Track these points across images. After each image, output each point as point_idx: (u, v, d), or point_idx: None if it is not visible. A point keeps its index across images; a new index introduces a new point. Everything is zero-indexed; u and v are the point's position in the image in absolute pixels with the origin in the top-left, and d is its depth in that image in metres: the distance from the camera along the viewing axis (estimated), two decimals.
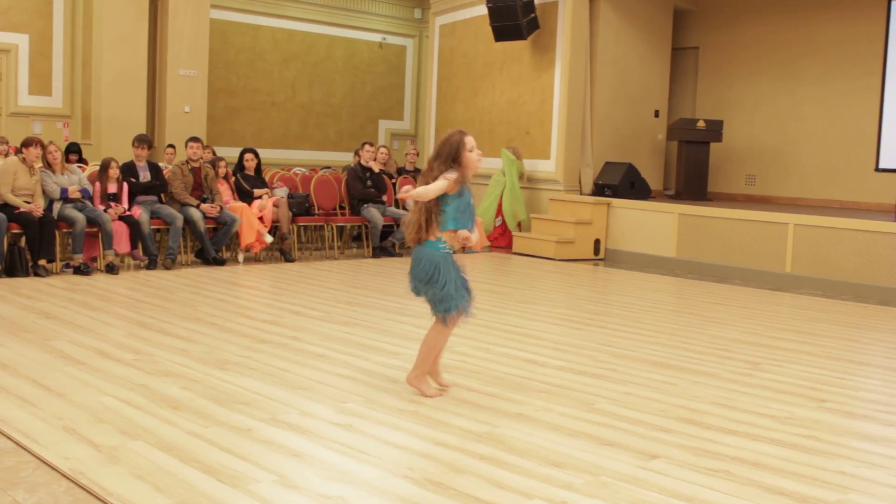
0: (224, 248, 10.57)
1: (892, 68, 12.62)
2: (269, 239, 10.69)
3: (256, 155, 11.44)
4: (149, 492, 3.40)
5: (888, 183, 12.02)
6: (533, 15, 13.08)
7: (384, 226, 11.73)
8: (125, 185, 9.79)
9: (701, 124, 13.31)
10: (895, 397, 5.38)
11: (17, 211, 8.84)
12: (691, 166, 13.44)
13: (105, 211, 9.40)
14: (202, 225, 10.09)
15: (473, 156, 4.74)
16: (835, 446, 4.32)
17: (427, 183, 4.65)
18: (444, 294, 4.72)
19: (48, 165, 9.26)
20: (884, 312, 8.82)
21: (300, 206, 11.28)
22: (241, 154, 11.42)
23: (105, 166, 9.70)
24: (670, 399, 5.08)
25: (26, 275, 8.80)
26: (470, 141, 4.75)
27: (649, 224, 12.10)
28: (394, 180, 12.54)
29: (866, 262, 9.86)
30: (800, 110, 13.67)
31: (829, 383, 5.65)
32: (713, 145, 13.70)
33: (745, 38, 14.28)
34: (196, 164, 10.39)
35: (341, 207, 12.00)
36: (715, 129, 13.36)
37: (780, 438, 4.39)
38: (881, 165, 12.72)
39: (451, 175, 4.64)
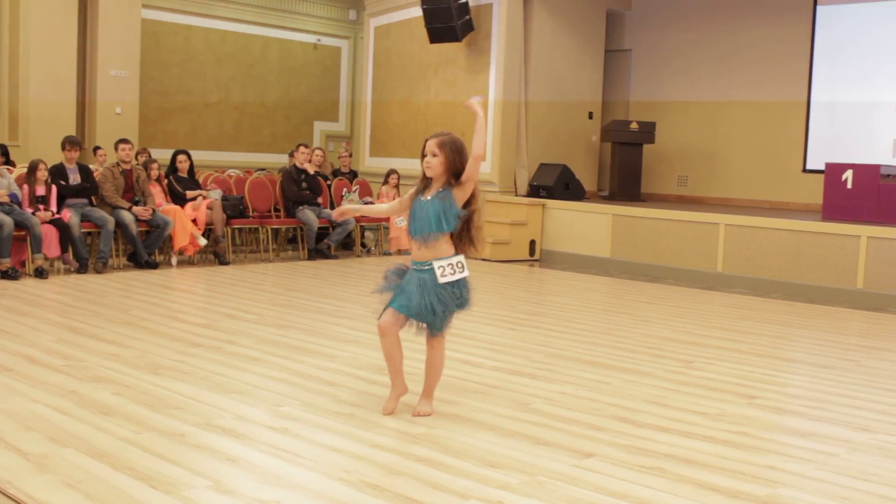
0: (157, 251, 10.43)
1: (818, 71, 12.95)
2: (202, 242, 10.57)
3: (189, 157, 11.30)
4: (80, 500, 3.34)
5: (815, 184, 12.30)
6: (467, 17, 13.13)
7: (319, 228, 11.68)
8: (54, 188, 9.61)
9: (634, 126, 13.48)
10: (822, 393, 5.50)
11: None
12: (625, 167, 13.60)
13: (33, 214, 9.21)
14: (134, 228, 9.94)
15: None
16: (765, 442, 4.41)
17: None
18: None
19: None
20: (811, 310, 9.02)
21: (234, 208, 11.17)
22: (174, 156, 11.28)
23: (33, 168, 9.50)
24: (604, 398, 5.14)
25: None
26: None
27: (584, 225, 12.22)
28: (329, 182, 12.49)
29: (794, 261, 10.08)
30: (729, 112, 13.93)
31: (759, 380, 5.76)
32: (646, 147, 13.89)
33: (677, 40, 14.50)
34: (127, 167, 10.24)
35: (276, 210, 11.91)
36: (648, 131, 13.54)
37: (712, 435, 4.46)
38: (808, 167, 13.03)
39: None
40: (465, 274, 4.51)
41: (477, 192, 4.51)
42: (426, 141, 4.50)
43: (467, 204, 4.48)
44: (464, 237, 4.51)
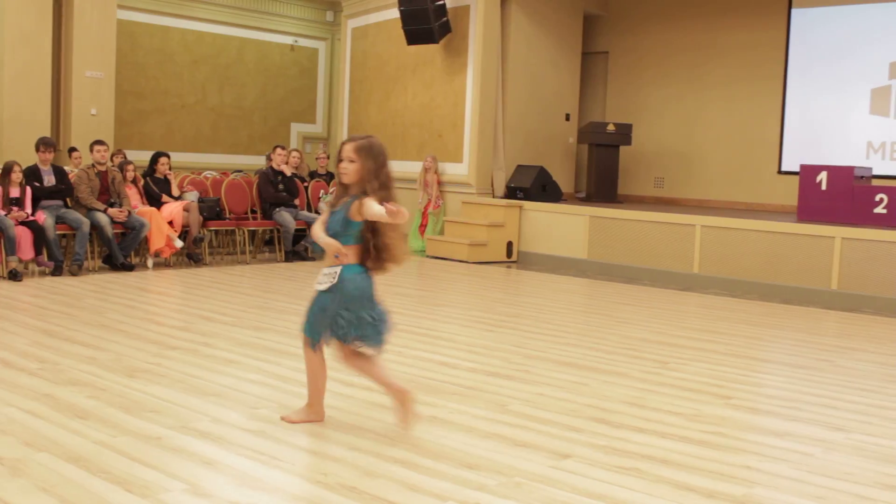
0: (133, 253, 10.37)
1: (793, 73, 13.05)
2: (178, 244, 10.52)
3: (169, 159, 11.24)
4: None
5: (790, 185, 12.38)
6: (445, 19, 13.13)
7: (296, 230, 11.65)
8: (28, 190, 9.54)
9: (611, 128, 13.53)
10: (797, 393, 5.54)
11: None
12: (601, 169, 13.64)
13: (7, 216, 9.14)
14: (110, 230, 9.88)
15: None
16: (740, 442, 4.44)
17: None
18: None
19: None
20: (786, 311, 9.08)
21: (211, 210, 11.12)
22: (154, 157, 11.16)
23: (7, 170, 9.43)
24: (581, 399, 5.16)
25: None
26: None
27: (561, 226, 12.25)
28: (306, 184, 12.46)
29: (770, 262, 10.14)
30: (705, 113, 14.00)
31: (735, 380, 5.80)
32: (623, 148, 13.93)
33: (653, 42, 14.56)
34: (103, 168, 10.18)
35: (253, 211, 11.88)
36: (624, 133, 13.59)
37: (688, 435, 4.49)
38: (783, 168, 13.12)
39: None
40: (332, 283, 4.21)
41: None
42: (343, 144, 4.29)
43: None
44: (371, 253, 4.26)
